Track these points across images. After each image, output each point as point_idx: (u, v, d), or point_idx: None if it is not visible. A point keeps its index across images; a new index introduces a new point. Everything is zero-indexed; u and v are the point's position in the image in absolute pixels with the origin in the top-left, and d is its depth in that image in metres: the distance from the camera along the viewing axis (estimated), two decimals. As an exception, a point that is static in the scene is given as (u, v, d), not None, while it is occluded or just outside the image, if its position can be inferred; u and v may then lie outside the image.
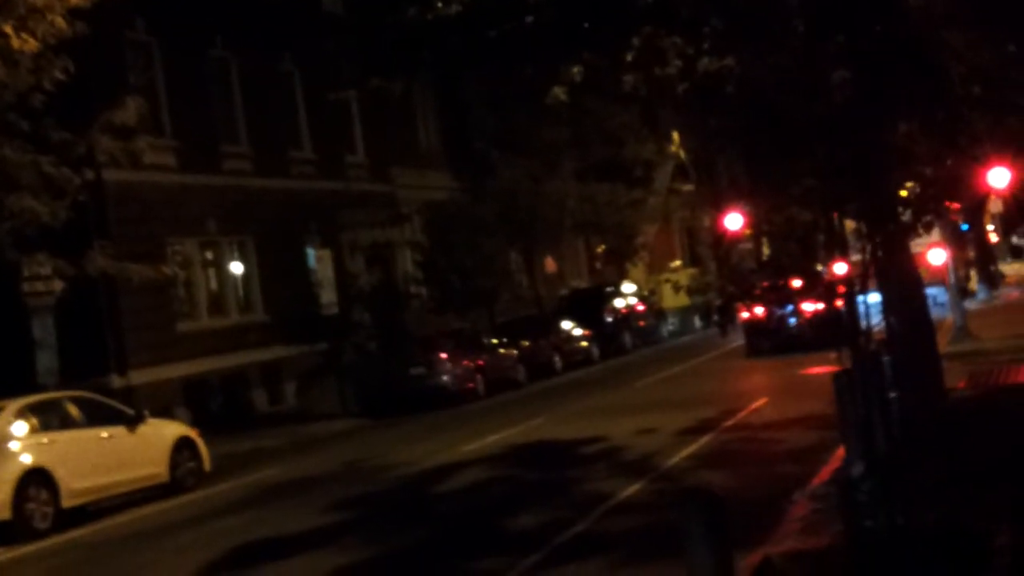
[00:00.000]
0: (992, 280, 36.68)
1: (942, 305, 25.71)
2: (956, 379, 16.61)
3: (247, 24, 30.97)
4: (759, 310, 27.01)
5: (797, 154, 12.54)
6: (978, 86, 13.17)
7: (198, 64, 29.76)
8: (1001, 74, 13.32)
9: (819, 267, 12.47)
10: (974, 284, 35.48)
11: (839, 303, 11.30)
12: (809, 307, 25.83)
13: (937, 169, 13.03)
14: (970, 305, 29.11)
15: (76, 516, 17.05)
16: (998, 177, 25.90)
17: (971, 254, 37.53)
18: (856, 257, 12.15)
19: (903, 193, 13.41)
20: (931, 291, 28.38)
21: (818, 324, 10.85)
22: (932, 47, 12.48)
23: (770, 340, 28.07)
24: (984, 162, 14.37)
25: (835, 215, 12.26)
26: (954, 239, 26.95)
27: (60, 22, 18.74)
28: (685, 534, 6.04)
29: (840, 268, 11.19)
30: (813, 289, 11.68)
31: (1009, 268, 49.38)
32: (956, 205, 20.55)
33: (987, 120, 14.11)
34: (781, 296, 25.50)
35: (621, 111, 43.17)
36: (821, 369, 19.68)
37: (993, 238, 46.98)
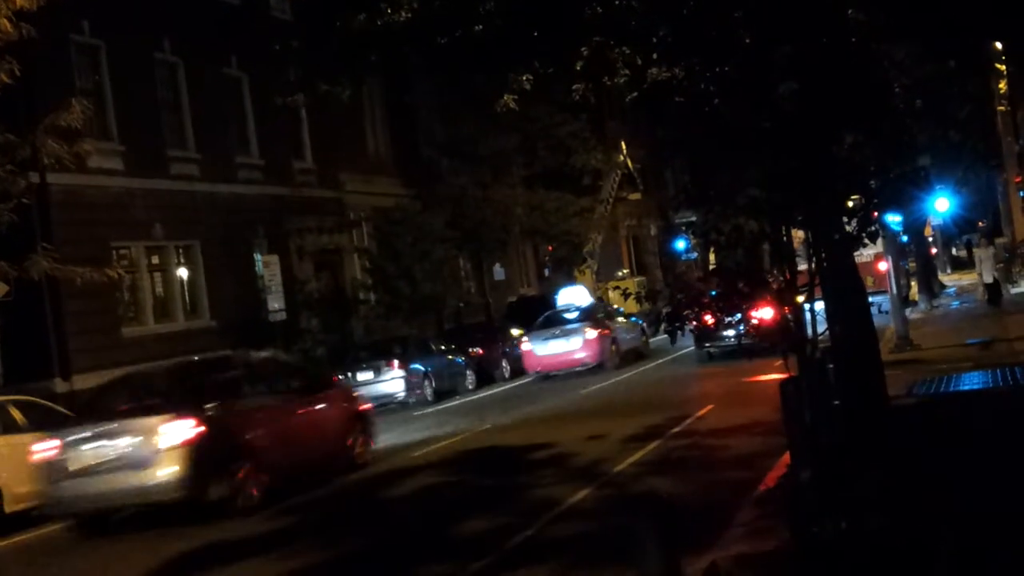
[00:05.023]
0: (931, 290, 37.22)
1: (886, 313, 26.04)
2: (898, 387, 16.81)
3: (195, 28, 30.84)
4: (708, 318, 27.15)
5: (744, 164, 12.67)
6: (920, 99, 13.39)
7: (145, 68, 29.58)
8: (942, 87, 13.57)
9: (767, 276, 12.60)
10: (915, 294, 35.95)
11: (786, 311, 11.44)
12: (757, 315, 26.01)
13: (881, 180, 13.19)
14: (911, 315, 29.50)
15: (20, 521, 16.90)
16: (940, 203, 26.17)
17: (912, 264, 38.04)
18: (802, 266, 12.30)
19: (849, 203, 13.58)
20: (875, 299, 28.71)
21: (765, 332, 10.94)
22: (876, 60, 12.68)
23: (719, 347, 28.36)
24: (926, 178, 14.60)
25: (782, 225, 12.42)
26: (896, 250, 27.30)
27: (6, 24, 18.63)
28: (635, 539, 6.10)
29: (784, 278, 11.33)
30: (760, 297, 11.73)
31: (948, 279, 50.05)
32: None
33: (929, 131, 14.35)
34: (730, 304, 25.66)
35: (570, 120, 43.42)
36: (766, 376, 19.87)
37: (934, 249, 47.64)
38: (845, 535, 8.61)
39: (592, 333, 31.33)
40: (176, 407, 15.08)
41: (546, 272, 50.10)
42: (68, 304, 25.51)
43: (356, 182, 37.94)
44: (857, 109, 12.41)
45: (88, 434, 15.16)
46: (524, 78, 14.13)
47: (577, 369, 30.80)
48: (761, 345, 12.53)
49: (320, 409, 17.80)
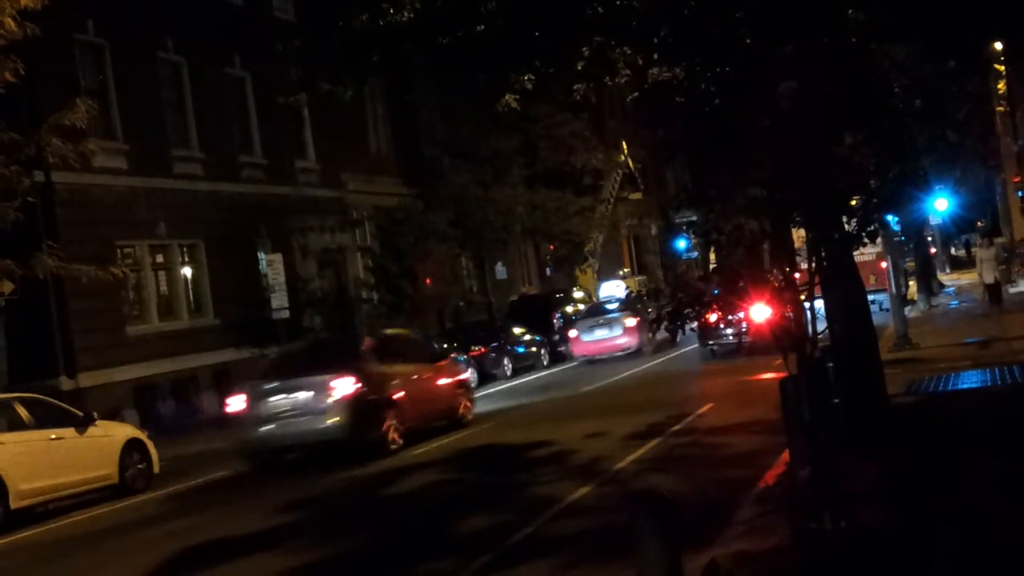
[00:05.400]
0: (930, 289, 37.28)
1: (887, 311, 26.13)
2: (897, 386, 16.88)
3: (198, 28, 30.94)
4: (713, 316, 27.39)
5: (744, 163, 12.72)
6: (919, 98, 13.45)
7: (149, 67, 29.68)
8: (942, 88, 13.63)
9: (768, 275, 12.66)
10: (914, 293, 36.02)
11: (787, 310, 11.51)
12: (759, 314, 26.19)
13: (880, 180, 13.27)
14: (910, 313, 29.58)
15: (25, 517, 17.00)
16: (940, 203, 26.24)
17: (911, 264, 38.08)
18: (803, 266, 12.37)
19: (853, 203, 13.65)
20: (877, 297, 28.82)
21: (763, 331, 11.07)
22: (875, 60, 12.75)
23: (722, 344, 28.73)
24: (925, 178, 14.67)
25: (782, 224, 12.49)
26: (895, 249, 27.37)
27: (10, 24, 18.73)
28: (636, 537, 6.14)
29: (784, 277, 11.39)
30: (761, 296, 11.79)
31: (947, 278, 50.08)
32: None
33: (928, 132, 14.41)
34: (730, 303, 25.82)
35: (571, 119, 43.49)
36: (765, 375, 19.96)
37: (933, 249, 47.68)
38: (844, 533, 8.67)
39: (632, 321, 34.36)
40: (342, 369, 18.88)
41: (547, 271, 50.14)
42: (73, 302, 25.61)
43: (358, 181, 38.02)
44: (857, 109, 12.47)
45: (273, 389, 19.10)
46: (525, 78, 14.21)
47: (618, 354, 33.74)
48: (759, 344, 12.61)
49: (439, 376, 21.78)
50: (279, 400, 18.94)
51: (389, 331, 24.28)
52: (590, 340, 34.65)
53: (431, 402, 21.04)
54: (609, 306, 36.53)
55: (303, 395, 18.81)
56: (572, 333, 35.41)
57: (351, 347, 21.14)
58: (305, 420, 18.64)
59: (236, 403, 19.55)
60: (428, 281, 38.33)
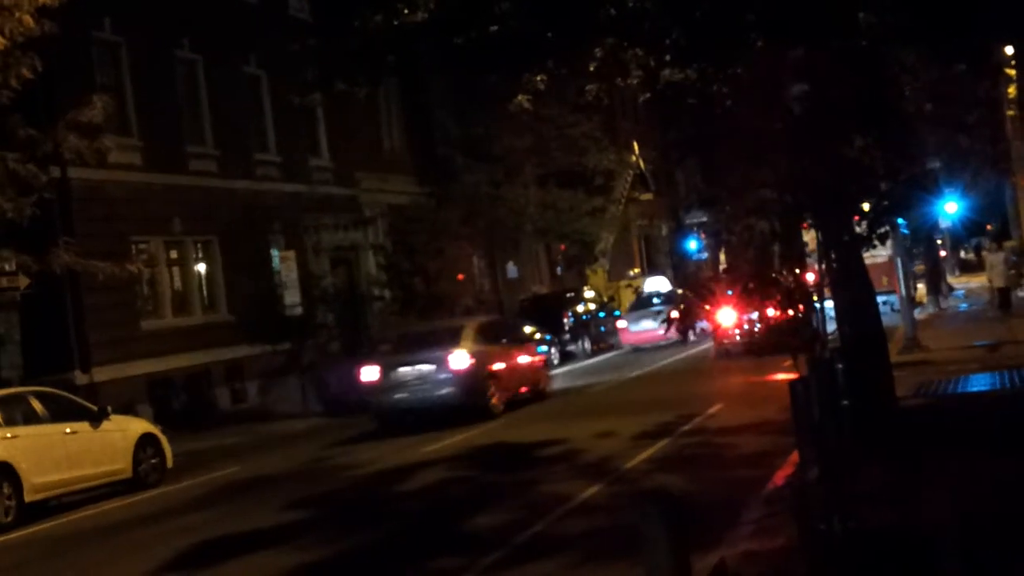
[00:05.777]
0: (940, 292, 37.23)
1: (899, 312, 26.14)
2: (906, 388, 16.91)
3: (214, 26, 31.08)
4: (730, 317, 27.55)
5: (755, 165, 12.79)
6: (930, 102, 13.48)
7: (165, 65, 29.84)
8: (951, 91, 13.66)
9: (778, 276, 12.72)
10: (923, 295, 36.00)
11: (800, 310, 11.58)
12: (772, 314, 26.35)
13: (890, 183, 13.33)
14: (918, 315, 29.57)
15: (39, 511, 17.14)
16: (950, 206, 26.23)
17: (920, 267, 38.04)
18: (813, 267, 12.45)
19: (861, 205, 13.70)
20: (889, 298, 28.79)
21: (781, 331, 11.13)
22: (886, 63, 12.80)
23: (738, 345, 28.76)
24: (935, 181, 14.71)
25: (794, 226, 12.55)
26: (905, 252, 27.38)
27: (28, 20, 18.83)
28: (644, 536, 6.20)
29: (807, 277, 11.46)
30: (772, 297, 11.87)
31: (957, 281, 50.02)
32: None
33: (938, 135, 14.44)
34: (749, 303, 25.94)
35: (583, 120, 43.53)
36: (775, 376, 20.00)
37: (943, 252, 47.58)
38: (852, 534, 8.72)
39: (676, 313, 35.06)
40: (458, 345, 22.95)
41: (558, 271, 50.19)
42: (88, 298, 25.75)
43: (372, 180, 38.13)
44: (867, 112, 12.53)
45: (400, 362, 23.03)
46: (538, 78, 14.26)
47: (662, 343, 35.19)
48: (777, 343, 12.64)
49: (526, 355, 25.70)
50: (406, 371, 22.85)
51: (485, 318, 29.43)
52: (637, 330, 37.34)
53: (522, 375, 24.78)
54: (654, 299, 38.73)
55: (426, 368, 22.70)
56: (621, 324, 38.68)
57: (462, 329, 24.51)
58: (428, 388, 22.53)
59: (370, 374, 23.43)
60: (461, 277, 38.58)
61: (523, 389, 24.71)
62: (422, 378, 22.64)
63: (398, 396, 22.71)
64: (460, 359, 22.67)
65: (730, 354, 29.09)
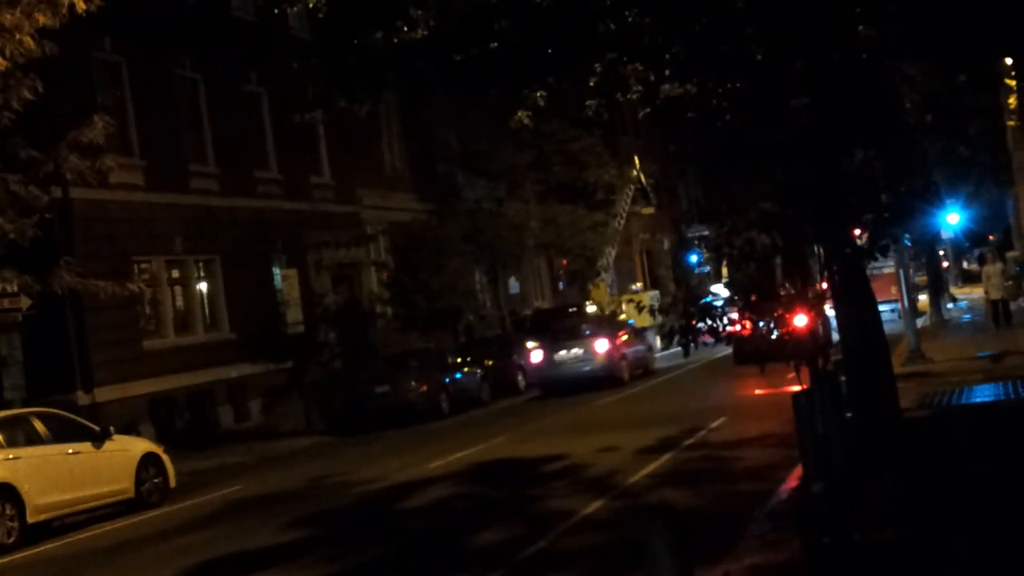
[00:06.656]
0: (943, 304, 37.14)
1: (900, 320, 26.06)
2: (910, 400, 16.88)
3: (215, 45, 31.13)
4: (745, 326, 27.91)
5: (756, 178, 12.79)
6: (930, 113, 13.48)
7: (166, 84, 29.86)
8: (952, 102, 13.66)
9: (780, 289, 12.72)
10: (926, 306, 35.92)
11: (806, 322, 11.56)
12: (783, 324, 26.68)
13: (892, 195, 13.31)
14: (920, 324, 29.44)
15: (41, 531, 17.11)
16: (952, 217, 26.17)
17: (922, 279, 37.96)
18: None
19: (864, 218, 13.68)
20: (894, 306, 28.67)
21: (791, 341, 11.28)
22: (886, 75, 12.80)
23: (753, 354, 28.86)
24: (937, 193, 14.69)
25: (794, 239, 12.55)
26: (907, 264, 27.31)
27: (29, 41, 18.83)
28: (647, 551, 6.17)
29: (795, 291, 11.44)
30: (773, 310, 11.90)
31: (959, 292, 49.98)
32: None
33: (939, 146, 14.43)
34: (763, 313, 26.13)
35: (584, 135, 43.57)
36: (778, 389, 19.96)
37: (945, 263, 47.52)
38: (857, 546, 8.69)
39: (735, 315, 40.74)
40: (601, 334, 31.42)
41: (560, 286, 50.19)
42: (90, 318, 25.73)
43: (373, 197, 38.15)
44: (868, 124, 12.52)
45: (559, 347, 31.28)
46: (539, 94, 14.27)
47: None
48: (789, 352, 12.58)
49: (641, 342, 33.50)
50: (563, 354, 31.16)
51: (604, 313, 39.31)
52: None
53: (639, 358, 32.75)
54: (716, 303, 39.24)
55: (577, 350, 31.05)
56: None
57: (601, 321, 34.64)
58: (579, 364, 30.84)
59: (537, 356, 31.76)
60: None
61: (640, 367, 32.45)
62: (576, 358, 30.91)
63: (559, 371, 30.90)
64: (602, 345, 30.92)
65: (748, 361, 29.01)
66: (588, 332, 31.86)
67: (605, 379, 30.12)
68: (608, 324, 33.76)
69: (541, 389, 31.26)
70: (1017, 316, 31.27)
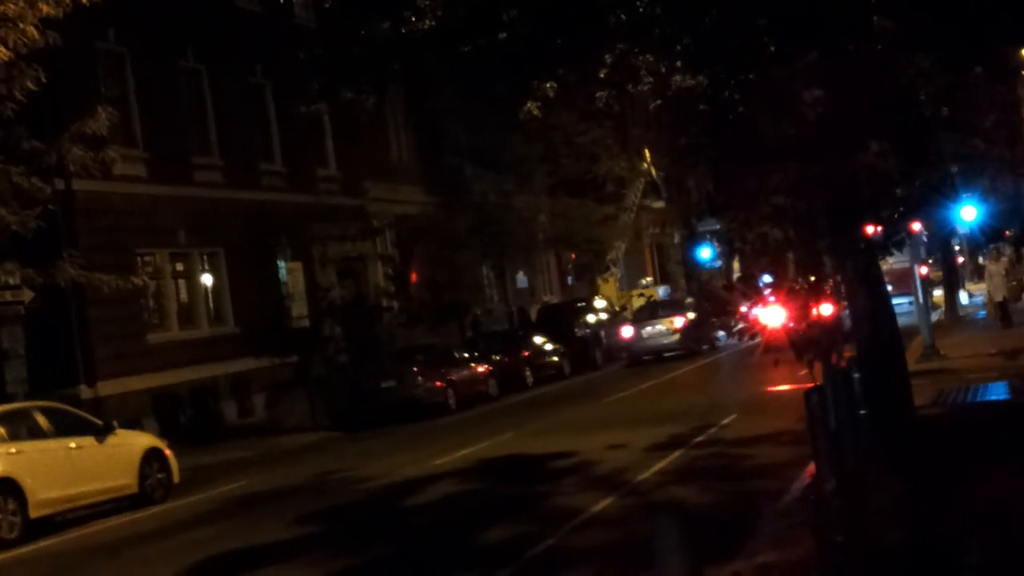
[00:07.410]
0: (957, 299, 36.91)
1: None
2: (925, 397, 16.72)
3: (219, 36, 30.98)
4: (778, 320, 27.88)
5: (768, 171, 12.63)
6: (946, 106, 13.32)
7: (170, 75, 29.71)
8: (968, 95, 13.49)
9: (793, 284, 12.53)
10: (940, 301, 35.70)
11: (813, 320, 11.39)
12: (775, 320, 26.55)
13: (906, 188, 13.16)
14: (934, 318, 29.18)
15: (43, 527, 16.98)
16: (968, 212, 26.03)
17: (936, 274, 37.69)
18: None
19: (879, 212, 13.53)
20: (909, 299, 28.41)
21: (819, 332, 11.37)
22: (901, 67, 12.62)
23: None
24: (952, 186, 14.53)
25: (809, 233, 12.38)
26: (920, 259, 27.07)
27: (32, 32, 18.71)
28: (656, 549, 6.05)
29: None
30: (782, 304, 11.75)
31: (975, 288, 49.68)
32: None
33: (954, 140, 14.27)
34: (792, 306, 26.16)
35: (593, 127, 43.39)
36: (791, 385, 19.80)
37: (960, 258, 47.30)
38: (870, 545, 8.58)
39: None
40: (677, 313, 37.35)
41: (569, 280, 50.03)
42: (93, 311, 25.61)
43: (379, 189, 37.98)
44: (882, 117, 12.36)
45: (644, 324, 36.81)
46: (548, 85, 14.10)
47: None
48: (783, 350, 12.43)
49: (706, 320, 34.46)
50: (648, 329, 36.60)
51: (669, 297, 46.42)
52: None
53: (706, 333, 36.63)
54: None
55: (659, 327, 36.46)
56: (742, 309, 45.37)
57: (678, 303, 41.99)
58: (661, 338, 36.26)
59: (627, 332, 37.08)
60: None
61: (707, 343, 37.01)
62: (659, 333, 36.35)
63: (644, 344, 36.45)
64: (680, 321, 36.40)
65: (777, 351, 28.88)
66: (671, 310, 38.33)
67: (683, 350, 35.64)
68: (680, 307, 39.98)
69: (630, 360, 36.31)
70: (1017, 316, 30.69)
